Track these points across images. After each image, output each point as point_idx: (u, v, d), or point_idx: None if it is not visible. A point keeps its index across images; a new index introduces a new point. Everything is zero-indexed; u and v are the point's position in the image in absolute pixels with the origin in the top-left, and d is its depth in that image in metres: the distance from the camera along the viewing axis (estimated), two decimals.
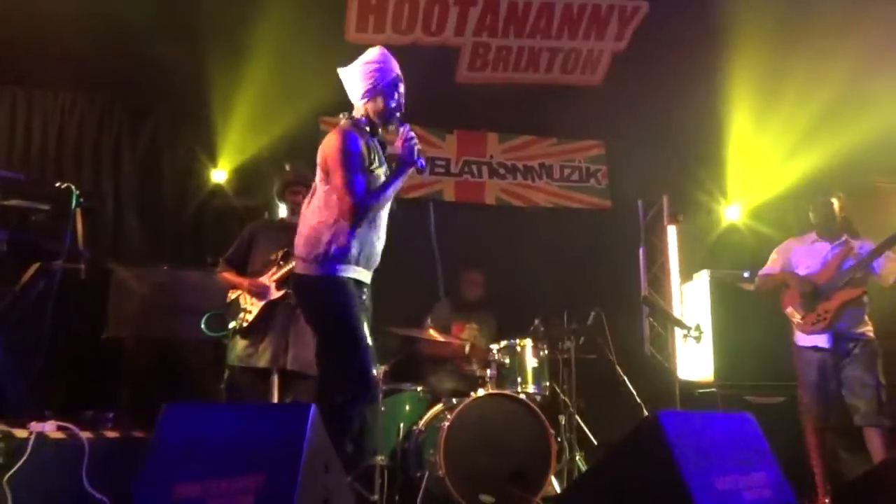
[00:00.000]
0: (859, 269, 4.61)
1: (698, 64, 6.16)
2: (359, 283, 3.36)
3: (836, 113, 6.26)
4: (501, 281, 6.29)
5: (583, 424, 5.32)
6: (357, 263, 3.32)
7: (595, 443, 5.34)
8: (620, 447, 2.81)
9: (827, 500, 4.56)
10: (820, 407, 4.63)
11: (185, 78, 6.03)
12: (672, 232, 7.11)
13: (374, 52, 3.43)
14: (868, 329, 4.65)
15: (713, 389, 5.71)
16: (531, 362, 5.09)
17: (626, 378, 5.40)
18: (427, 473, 4.47)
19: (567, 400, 5.27)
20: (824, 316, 4.62)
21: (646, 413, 5.23)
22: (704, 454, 2.56)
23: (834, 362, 4.62)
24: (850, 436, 4.76)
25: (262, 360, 4.35)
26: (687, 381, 6.16)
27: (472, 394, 4.73)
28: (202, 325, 4.58)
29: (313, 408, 2.34)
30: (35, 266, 4.34)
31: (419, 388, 5.19)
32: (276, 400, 4.34)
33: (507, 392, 4.81)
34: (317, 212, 3.32)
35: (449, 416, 4.49)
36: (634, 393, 5.37)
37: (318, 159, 3.35)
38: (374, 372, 3.31)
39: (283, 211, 5.13)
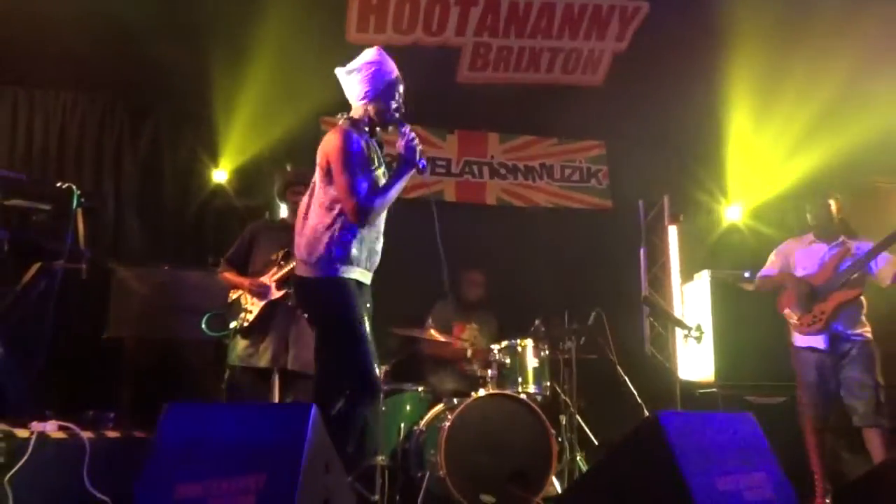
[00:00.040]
0: (856, 269, 4.61)
1: (699, 64, 6.16)
2: (360, 283, 3.36)
3: (835, 113, 6.26)
4: (502, 281, 6.29)
5: (583, 424, 5.32)
6: (358, 264, 3.32)
7: (596, 443, 5.34)
8: (621, 447, 2.81)
9: (827, 501, 4.56)
10: (819, 407, 4.64)
11: (186, 78, 6.03)
12: (673, 232, 7.11)
13: (372, 53, 3.42)
14: (866, 330, 4.65)
15: (714, 389, 5.71)
16: (532, 362, 5.09)
17: (626, 378, 5.40)
18: (428, 473, 4.47)
19: (568, 400, 5.27)
20: (820, 317, 4.64)
21: (646, 413, 5.23)
22: (705, 454, 2.56)
23: (832, 363, 4.63)
24: (850, 436, 4.76)
25: (263, 360, 4.36)
26: (688, 382, 6.16)
27: (473, 394, 4.74)
28: (203, 325, 4.58)
29: (314, 408, 2.35)
30: (36, 266, 4.34)
31: (420, 389, 5.20)
32: (276, 400, 4.34)
33: (508, 392, 4.81)
34: (316, 213, 3.31)
35: (450, 417, 4.49)
36: (635, 393, 5.37)
37: (319, 159, 3.34)
38: (376, 372, 3.31)
39: (283, 211, 5.13)
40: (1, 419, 3.25)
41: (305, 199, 3.49)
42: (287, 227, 4.37)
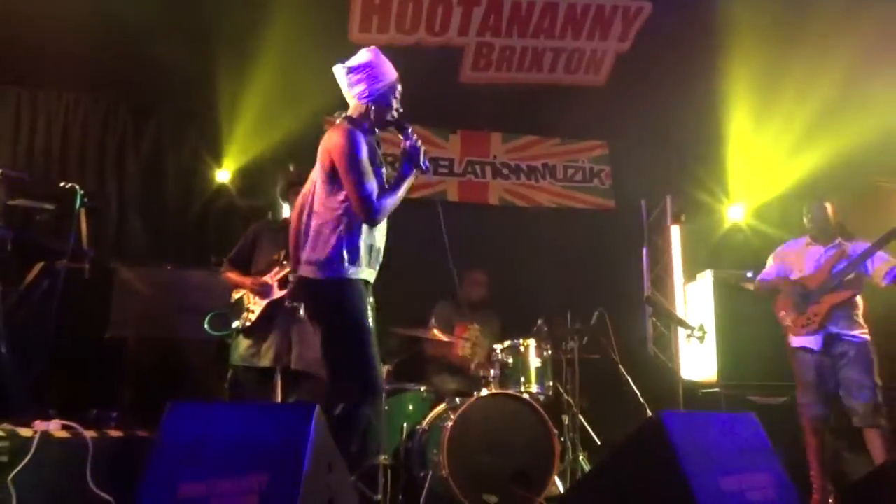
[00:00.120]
0: (851, 269, 4.63)
1: (702, 64, 6.16)
2: (367, 283, 3.36)
3: (836, 113, 6.27)
4: (505, 281, 6.28)
5: (586, 424, 5.31)
6: (368, 264, 3.31)
7: (598, 443, 5.34)
8: (624, 447, 2.81)
9: (830, 501, 4.56)
10: (819, 407, 4.64)
11: (189, 78, 6.04)
12: (675, 232, 7.10)
13: (371, 53, 3.40)
14: (863, 331, 4.65)
15: (717, 389, 5.70)
16: (534, 362, 5.09)
17: (629, 378, 5.40)
18: (430, 473, 4.47)
19: (570, 400, 5.27)
20: (814, 319, 4.66)
21: (649, 413, 5.23)
22: (708, 454, 2.56)
23: (830, 364, 4.63)
24: (851, 436, 4.76)
25: (266, 360, 4.35)
26: (690, 382, 6.16)
27: (476, 393, 4.74)
28: (205, 325, 4.58)
29: (317, 408, 2.35)
30: (39, 265, 4.36)
31: (422, 388, 5.20)
32: (279, 399, 4.34)
33: (511, 392, 4.81)
34: (321, 213, 3.29)
35: (452, 416, 4.49)
36: (638, 393, 5.37)
37: (321, 158, 3.32)
38: (378, 372, 3.31)
39: (286, 211, 5.12)
40: (4, 418, 3.26)
41: (301, 198, 3.49)
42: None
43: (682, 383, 6.17)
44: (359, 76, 3.37)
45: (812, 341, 4.67)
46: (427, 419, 4.81)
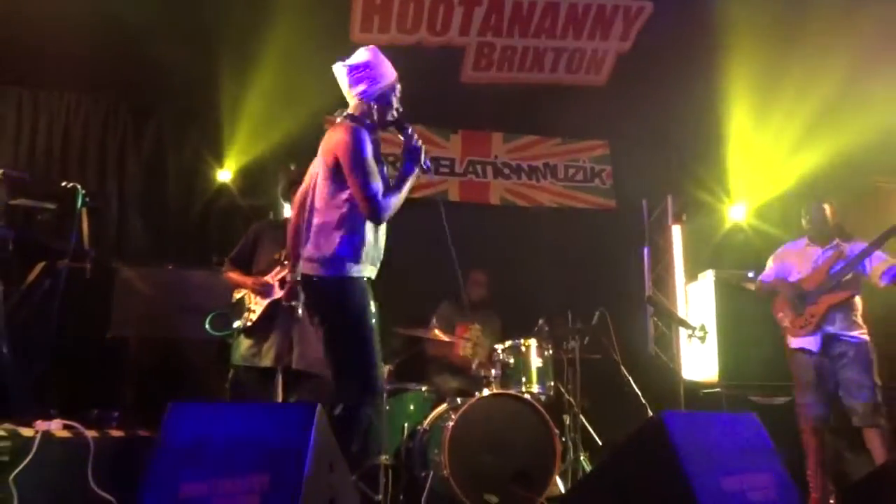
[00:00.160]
0: (848, 269, 4.63)
1: (703, 64, 6.16)
2: (369, 280, 3.35)
3: (836, 113, 6.27)
4: (506, 281, 6.28)
5: (587, 424, 5.31)
6: (368, 262, 3.31)
7: (599, 443, 5.34)
8: (625, 447, 2.82)
9: (831, 502, 4.56)
10: (820, 407, 4.63)
11: (189, 78, 6.04)
12: (677, 232, 7.09)
13: (370, 53, 3.40)
14: (861, 332, 4.65)
15: (718, 390, 5.70)
16: (536, 362, 5.09)
17: (630, 378, 5.40)
18: (431, 473, 4.47)
19: (571, 400, 5.26)
20: (811, 320, 4.66)
21: (650, 413, 5.23)
22: (709, 455, 2.56)
23: (828, 364, 4.63)
24: (851, 436, 4.76)
25: (267, 360, 4.35)
26: (691, 382, 6.16)
27: (477, 393, 4.74)
28: (206, 325, 4.58)
29: (318, 407, 2.35)
30: (41, 265, 4.36)
31: (424, 388, 5.20)
32: (280, 399, 4.34)
33: (512, 392, 4.81)
34: (325, 211, 3.28)
35: (453, 416, 4.49)
36: (639, 393, 5.37)
37: (324, 156, 3.31)
38: (379, 372, 3.30)
39: (287, 211, 5.12)
40: (6, 418, 3.26)
41: (300, 196, 3.49)
42: None
43: (684, 383, 6.17)
44: (360, 75, 3.37)
45: (811, 342, 4.67)
46: (428, 419, 4.81)
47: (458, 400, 4.73)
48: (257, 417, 2.40)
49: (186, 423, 2.34)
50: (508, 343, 5.14)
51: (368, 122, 3.39)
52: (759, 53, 6.00)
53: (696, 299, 6.40)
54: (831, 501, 4.57)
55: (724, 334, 5.80)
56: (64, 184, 4.35)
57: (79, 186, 4.29)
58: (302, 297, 3.45)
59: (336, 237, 3.23)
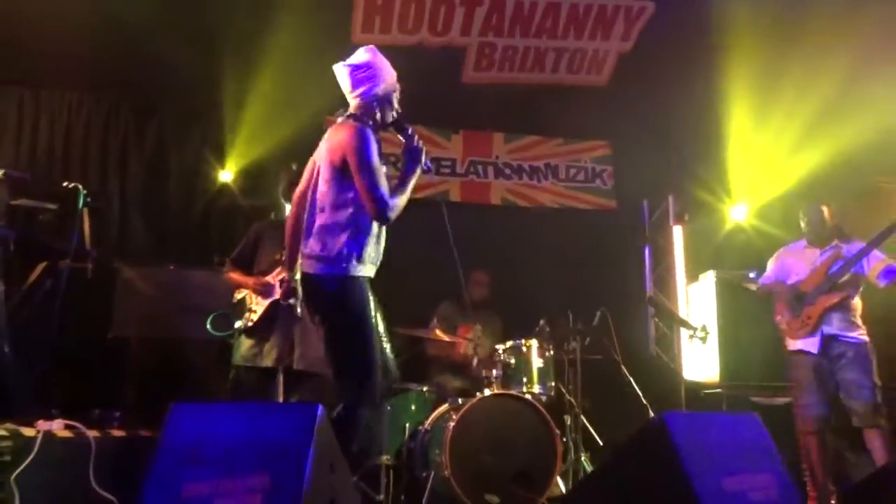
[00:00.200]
0: (846, 270, 4.63)
1: (704, 64, 6.15)
2: (370, 280, 3.36)
3: (837, 113, 6.27)
4: (507, 281, 6.29)
5: (588, 425, 5.31)
6: (370, 262, 3.31)
7: (601, 443, 5.34)
8: (626, 448, 2.81)
9: (833, 502, 4.56)
10: (821, 408, 4.63)
11: (191, 78, 6.04)
12: (678, 232, 7.09)
13: (370, 53, 3.40)
14: (860, 332, 4.65)
15: (719, 390, 5.70)
16: (537, 362, 5.09)
17: (631, 378, 5.40)
18: (432, 473, 4.47)
19: (573, 400, 5.26)
20: (808, 321, 4.66)
21: (651, 414, 5.23)
22: (710, 455, 2.55)
23: (828, 365, 4.63)
24: (852, 436, 4.76)
25: (268, 360, 4.36)
26: (693, 382, 6.16)
27: (478, 394, 4.74)
28: (208, 325, 4.58)
29: (320, 408, 2.35)
30: (42, 265, 4.36)
31: (425, 388, 5.20)
32: (281, 400, 4.34)
33: (513, 392, 4.81)
34: (329, 211, 3.28)
35: (454, 416, 4.49)
36: (640, 393, 5.37)
37: (329, 155, 3.30)
38: (379, 372, 3.30)
39: (288, 211, 5.12)
40: (7, 418, 3.26)
41: (299, 195, 3.49)
42: None
43: (685, 384, 6.17)
44: (362, 75, 3.37)
45: (810, 343, 4.67)
46: (429, 419, 4.81)
47: (460, 400, 4.73)
48: (259, 418, 2.40)
49: (188, 424, 2.34)
50: (510, 343, 5.13)
51: (371, 122, 3.39)
52: (760, 53, 6.00)
53: (697, 300, 6.40)
54: (832, 502, 4.57)
55: (725, 335, 5.80)
56: (65, 184, 4.35)
57: (80, 186, 4.30)
58: (300, 295, 3.46)
59: (343, 237, 3.23)
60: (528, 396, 4.80)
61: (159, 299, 5.39)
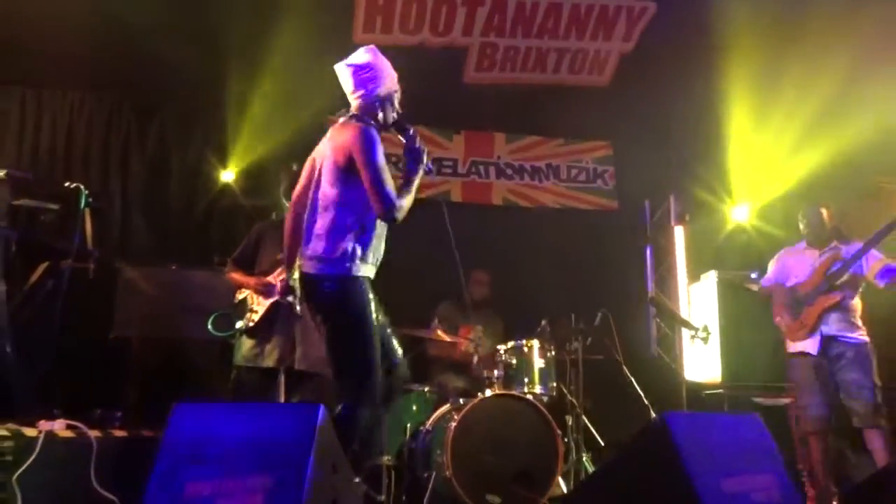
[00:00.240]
0: (844, 270, 4.64)
1: (706, 64, 6.15)
2: (371, 280, 3.36)
3: (837, 113, 6.27)
4: (508, 281, 6.29)
5: (590, 425, 5.31)
6: (372, 262, 3.32)
7: (602, 444, 5.34)
8: (628, 448, 2.81)
9: (834, 503, 4.56)
10: (823, 408, 4.63)
11: (193, 78, 6.05)
12: (679, 232, 7.09)
13: (371, 54, 3.40)
14: (860, 333, 4.65)
15: (721, 391, 5.69)
16: (538, 363, 5.09)
17: (633, 379, 5.39)
18: (434, 473, 4.47)
19: (574, 401, 5.26)
20: (806, 322, 4.68)
21: (653, 414, 5.23)
22: (712, 456, 2.55)
23: (828, 366, 4.63)
24: (853, 436, 4.76)
25: (269, 360, 4.36)
26: (694, 383, 6.15)
27: (480, 394, 4.74)
28: (209, 325, 4.58)
29: (322, 408, 2.35)
30: (44, 265, 4.36)
31: (426, 389, 5.21)
32: (282, 400, 4.34)
33: (515, 392, 4.81)
34: (332, 211, 3.26)
35: (456, 417, 4.49)
36: (641, 394, 5.36)
37: (334, 155, 3.28)
38: (379, 372, 3.30)
39: None
40: (9, 418, 3.26)
41: (298, 195, 3.49)
42: None
43: (686, 384, 6.16)
44: (365, 76, 3.37)
45: (809, 345, 4.68)
46: (431, 419, 4.81)
47: (461, 400, 4.74)
48: (261, 418, 2.40)
49: (190, 424, 2.34)
50: (511, 344, 5.14)
51: (373, 122, 3.39)
52: (760, 53, 6.00)
53: (698, 300, 6.40)
54: (833, 503, 4.56)
55: (726, 335, 5.79)
56: (67, 184, 4.36)
57: (82, 187, 4.30)
58: (298, 293, 3.46)
59: (348, 237, 3.22)
60: (529, 397, 4.80)
61: (161, 299, 5.39)
